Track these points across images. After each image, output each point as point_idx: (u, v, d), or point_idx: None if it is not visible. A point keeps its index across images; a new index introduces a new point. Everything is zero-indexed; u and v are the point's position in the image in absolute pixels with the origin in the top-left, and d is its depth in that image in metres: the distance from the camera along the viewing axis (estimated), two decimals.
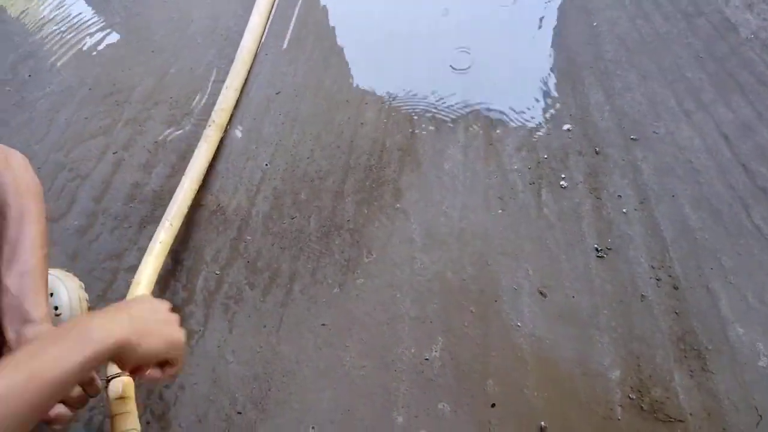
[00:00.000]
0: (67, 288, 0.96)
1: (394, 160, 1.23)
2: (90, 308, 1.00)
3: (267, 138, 1.29)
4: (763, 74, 1.29)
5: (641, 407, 0.86)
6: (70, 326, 0.60)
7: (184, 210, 1.12)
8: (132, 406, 0.76)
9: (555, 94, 1.31)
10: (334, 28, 1.57)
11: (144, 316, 0.68)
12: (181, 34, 1.59)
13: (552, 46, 1.43)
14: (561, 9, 1.53)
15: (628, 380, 0.89)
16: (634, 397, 0.87)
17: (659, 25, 1.45)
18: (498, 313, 0.98)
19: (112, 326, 0.62)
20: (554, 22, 1.50)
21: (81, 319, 0.65)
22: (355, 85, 1.40)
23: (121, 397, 0.76)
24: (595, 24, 1.47)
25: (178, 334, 0.71)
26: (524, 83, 1.35)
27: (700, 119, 1.23)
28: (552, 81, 1.34)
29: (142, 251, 1.10)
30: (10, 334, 0.70)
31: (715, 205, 1.09)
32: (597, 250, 1.04)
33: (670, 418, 0.85)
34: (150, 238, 1.10)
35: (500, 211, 1.12)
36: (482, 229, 1.10)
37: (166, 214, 1.08)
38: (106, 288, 1.05)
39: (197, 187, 1.17)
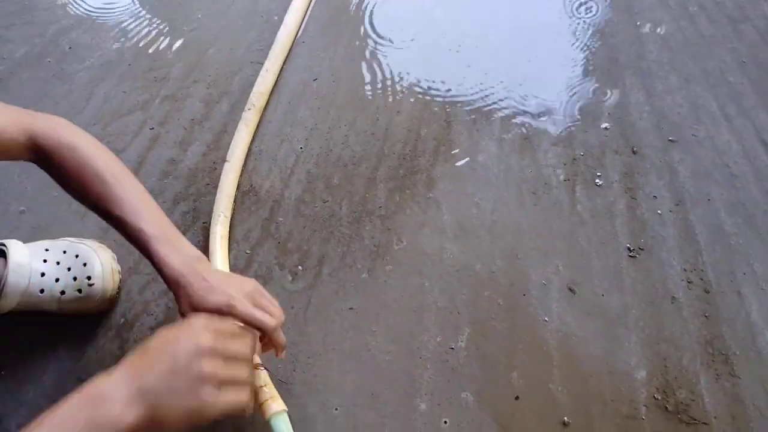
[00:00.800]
0: (101, 259, 0.97)
1: (428, 149, 1.23)
2: (122, 280, 1.02)
3: (302, 121, 1.30)
4: None
5: (666, 408, 0.85)
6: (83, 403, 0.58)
7: (233, 197, 1.15)
8: (274, 391, 0.80)
9: (595, 91, 1.31)
10: (373, 15, 1.57)
11: (159, 387, 0.60)
12: (222, 15, 1.60)
13: (594, 45, 1.42)
14: (605, 8, 1.52)
15: (654, 381, 0.88)
16: (659, 397, 0.86)
17: (704, 29, 1.43)
18: (526, 307, 0.98)
19: (121, 412, 0.57)
20: (598, 21, 1.48)
21: (92, 395, 0.59)
22: (392, 73, 1.40)
23: (262, 386, 0.80)
24: (638, 24, 1.46)
25: (208, 398, 0.61)
26: (564, 80, 1.34)
27: (740, 124, 1.22)
28: (592, 79, 1.33)
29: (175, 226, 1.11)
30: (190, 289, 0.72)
31: (750, 211, 1.08)
32: (629, 249, 1.04)
33: (695, 420, 0.84)
34: (182, 214, 1.12)
35: (533, 205, 1.12)
36: (514, 223, 1.09)
37: (216, 206, 1.10)
38: (137, 261, 1.07)
39: (240, 172, 1.19)
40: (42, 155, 0.78)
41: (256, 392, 0.79)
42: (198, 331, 0.64)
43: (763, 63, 1.34)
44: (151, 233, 0.75)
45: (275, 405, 0.77)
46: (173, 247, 0.75)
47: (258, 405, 0.78)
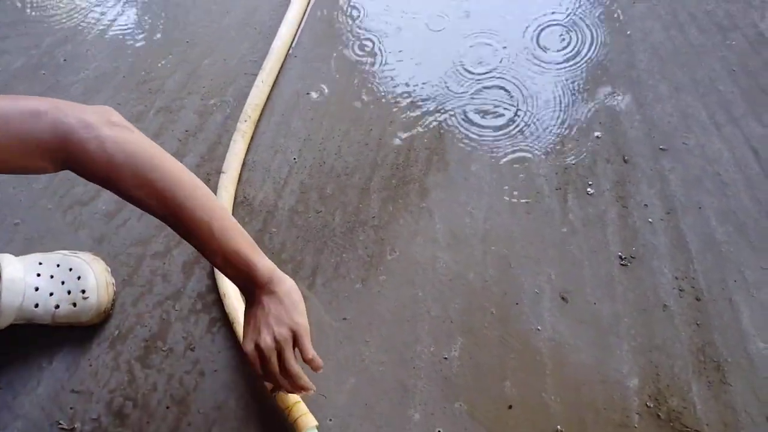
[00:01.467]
0: (95, 272, 0.98)
1: (421, 159, 1.24)
2: (116, 292, 1.02)
3: (295, 132, 1.31)
4: None
5: (658, 416, 0.86)
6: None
7: (231, 208, 1.16)
8: (305, 408, 0.86)
9: (586, 100, 1.31)
10: (366, 26, 1.58)
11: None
12: (216, 26, 1.61)
13: (585, 54, 1.43)
14: (595, 18, 1.53)
15: (646, 389, 0.89)
16: (652, 405, 0.87)
17: (693, 38, 1.44)
18: (518, 316, 0.98)
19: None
20: (588, 30, 1.49)
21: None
22: (386, 82, 1.41)
23: (296, 402, 0.86)
24: (629, 33, 1.47)
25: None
26: (555, 89, 1.35)
27: (730, 133, 1.22)
28: (583, 88, 1.34)
29: (168, 238, 1.11)
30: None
31: (741, 219, 1.08)
32: (621, 258, 1.04)
33: (687, 427, 0.85)
34: None
35: (525, 214, 1.12)
36: (506, 232, 1.10)
37: None
38: (131, 273, 1.07)
39: (236, 183, 1.20)
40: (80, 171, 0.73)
41: (290, 408, 0.85)
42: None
43: (752, 71, 1.35)
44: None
45: (309, 420, 0.84)
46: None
47: (292, 421, 0.84)
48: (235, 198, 1.18)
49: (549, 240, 1.09)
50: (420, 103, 1.35)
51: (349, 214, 1.15)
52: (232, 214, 1.15)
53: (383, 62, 1.47)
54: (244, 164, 1.24)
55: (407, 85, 1.40)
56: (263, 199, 1.18)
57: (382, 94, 1.38)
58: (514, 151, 1.23)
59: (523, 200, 1.15)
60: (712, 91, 1.31)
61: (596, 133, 1.25)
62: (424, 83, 1.40)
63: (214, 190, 1.16)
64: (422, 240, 1.10)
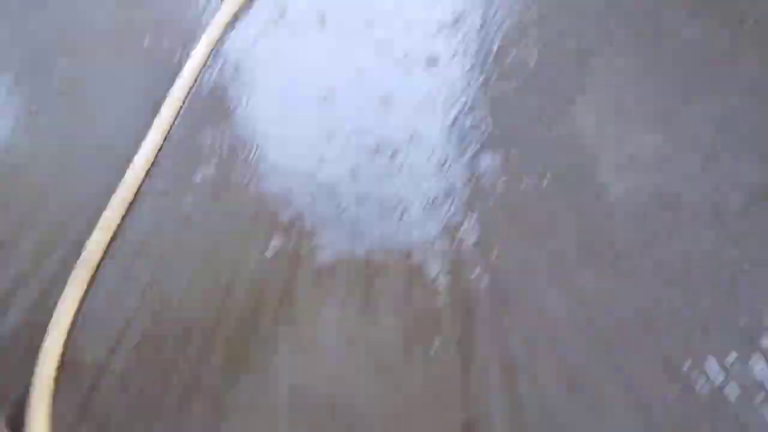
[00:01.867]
0: None
1: (270, 305, 1.20)
2: None
3: (138, 278, 1.24)
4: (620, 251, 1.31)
5: None
6: None
7: (54, 369, 1.07)
8: None
9: (434, 249, 1.32)
10: (241, 127, 1.54)
11: None
12: (65, 154, 1.51)
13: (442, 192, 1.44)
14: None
15: None
16: None
17: (548, 185, 1.48)
18: None
19: None
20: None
21: None
22: (243, 220, 1.36)
23: None
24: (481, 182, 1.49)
25: None
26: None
27: (566, 289, 1.25)
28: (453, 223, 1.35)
29: None
30: None
31: (578, 381, 1.10)
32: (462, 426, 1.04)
33: None
34: None
35: (373, 376, 1.11)
36: (351, 400, 1.07)
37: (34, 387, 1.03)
38: None
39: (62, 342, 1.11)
40: None
41: None
42: None
43: (593, 222, 1.37)
44: None
45: None
46: None
47: None
48: (61, 357, 1.09)
49: (392, 407, 1.07)
50: (272, 243, 1.31)
51: (188, 379, 1.09)
52: (55, 376, 1.06)
53: (243, 197, 1.42)
54: (75, 316, 1.16)
55: (266, 216, 1.36)
56: (92, 360, 1.10)
57: (240, 231, 1.34)
58: (361, 302, 1.21)
59: (372, 359, 1.13)
60: (549, 240, 1.33)
61: (443, 279, 1.24)
62: (283, 213, 1.37)
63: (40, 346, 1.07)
64: (263, 411, 1.06)
